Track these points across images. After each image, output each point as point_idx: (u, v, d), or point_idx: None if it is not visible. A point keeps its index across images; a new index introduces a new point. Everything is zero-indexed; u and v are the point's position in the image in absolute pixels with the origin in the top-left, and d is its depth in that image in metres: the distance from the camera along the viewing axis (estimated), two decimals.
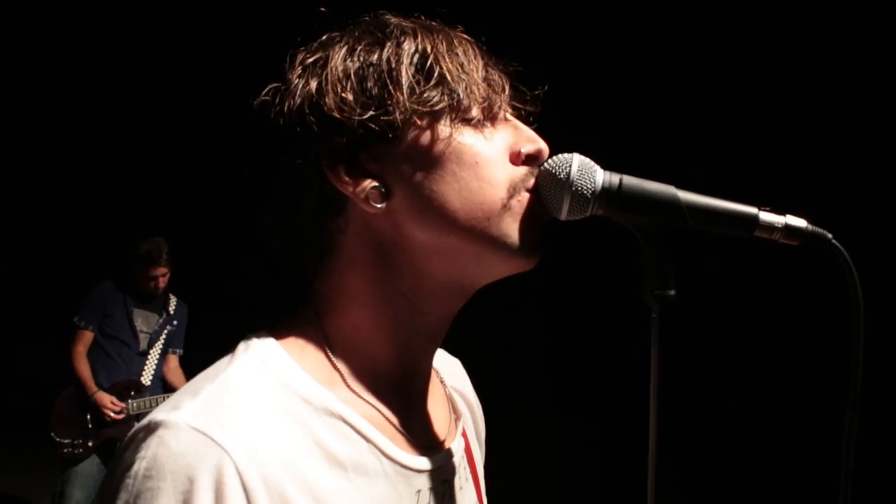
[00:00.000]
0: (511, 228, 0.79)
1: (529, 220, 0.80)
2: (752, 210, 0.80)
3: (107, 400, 4.03)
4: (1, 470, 6.13)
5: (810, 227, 0.80)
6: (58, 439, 4.01)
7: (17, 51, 5.82)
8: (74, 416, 4.05)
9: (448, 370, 1.07)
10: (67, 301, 4.39)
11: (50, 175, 7.30)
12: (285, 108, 0.79)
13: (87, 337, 4.19)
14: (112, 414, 4.02)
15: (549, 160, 0.82)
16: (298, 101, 0.78)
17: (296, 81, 0.79)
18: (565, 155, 0.81)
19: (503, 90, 0.84)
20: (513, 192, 0.79)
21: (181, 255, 4.43)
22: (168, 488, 0.66)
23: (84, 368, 4.12)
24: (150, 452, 0.68)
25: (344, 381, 0.80)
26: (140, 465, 0.68)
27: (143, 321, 4.33)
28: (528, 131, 0.84)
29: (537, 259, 0.82)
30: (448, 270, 0.81)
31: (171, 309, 4.44)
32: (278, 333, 0.81)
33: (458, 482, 0.91)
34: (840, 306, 0.84)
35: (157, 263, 4.23)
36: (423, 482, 0.84)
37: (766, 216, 0.80)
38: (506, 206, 0.79)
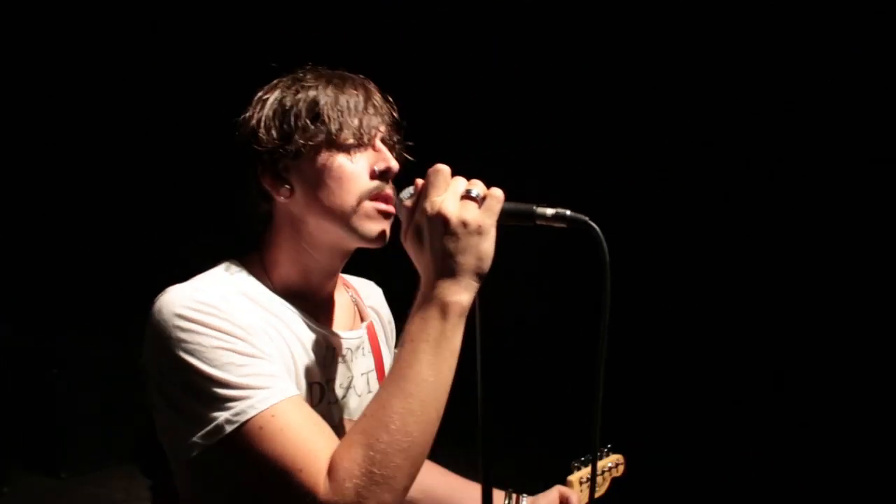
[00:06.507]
0: (357, 223, 1.19)
1: (372, 219, 1.19)
2: (531, 206, 1.09)
3: None
4: None
5: (572, 213, 1.08)
6: None
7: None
8: None
9: (367, 292, 1.55)
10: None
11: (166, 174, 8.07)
12: (242, 132, 1.23)
13: None
14: None
15: (405, 190, 1.15)
16: (248, 129, 1.21)
17: (249, 113, 1.23)
18: (410, 188, 1.14)
19: (376, 125, 1.22)
20: (361, 199, 1.18)
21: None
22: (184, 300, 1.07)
23: None
24: (155, 307, 1.09)
25: (274, 290, 1.24)
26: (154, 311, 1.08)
27: None
28: (387, 154, 1.22)
29: (380, 243, 1.22)
30: (328, 239, 1.23)
31: None
32: (241, 261, 1.26)
33: (360, 352, 1.35)
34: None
35: None
36: (337, 344, 1.29)
37: (541, 209, 1.08)
38: (355, 209, 1.18)
